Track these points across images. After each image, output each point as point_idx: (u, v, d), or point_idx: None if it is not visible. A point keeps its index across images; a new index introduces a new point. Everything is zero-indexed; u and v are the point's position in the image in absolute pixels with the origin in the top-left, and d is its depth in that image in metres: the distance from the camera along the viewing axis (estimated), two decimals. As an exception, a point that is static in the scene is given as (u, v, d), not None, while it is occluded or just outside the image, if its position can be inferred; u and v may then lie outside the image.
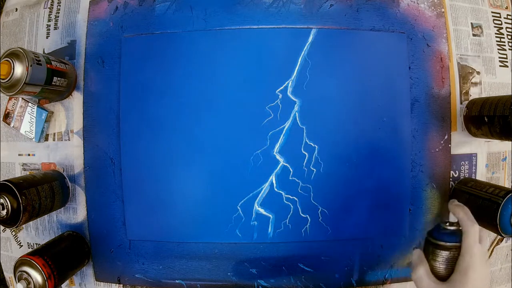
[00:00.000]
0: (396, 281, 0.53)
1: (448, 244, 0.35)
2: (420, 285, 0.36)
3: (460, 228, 0.36)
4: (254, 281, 0.52)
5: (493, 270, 0.55)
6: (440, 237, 0.36)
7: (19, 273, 0.45)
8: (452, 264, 0.35)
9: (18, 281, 0.45)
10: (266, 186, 0.51)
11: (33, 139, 0.55)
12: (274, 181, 0.51)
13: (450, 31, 0.53)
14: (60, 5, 0.56)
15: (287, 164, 0.51)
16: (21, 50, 0.45)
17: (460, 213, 0.37)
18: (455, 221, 0.37)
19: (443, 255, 0.36)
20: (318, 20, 0.52)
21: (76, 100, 0.54)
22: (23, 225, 0.56)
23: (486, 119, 0.47)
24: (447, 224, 0.37)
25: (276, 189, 0.51)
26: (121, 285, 0.54)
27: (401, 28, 0.53)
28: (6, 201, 0.44)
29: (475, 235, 0.35)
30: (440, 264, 0.36)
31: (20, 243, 0.57)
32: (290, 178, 0.51)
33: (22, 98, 0.55)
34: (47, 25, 0.56)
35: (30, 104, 0.55)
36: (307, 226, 0.51)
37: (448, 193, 0.53)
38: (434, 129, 0.52)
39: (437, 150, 0.52)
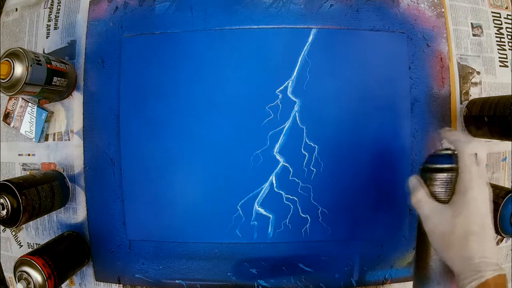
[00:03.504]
0: (396, 281, 0.53)
1: (445, 166, 0.34)
2: (420, 209, 0.35)
3: (456, 152, 0.35)
4: (254, 281, 0.52)
5: (493, 270, 0.55)
6: (436, 160, 0.35)
7: (19, 273, 0.45)
8: (451, 187, 0.34)
9: (18, 281, 0.45)
10: (266, 186, 0.51)
11: (33, 139, 0.55)
12: (274, 181, 0.51)
13: (450, 31, 0.53)
14: (60, 5, 0.56)
15: (287, 164, 0.51)
16: (21, 50, 0.45)
17: (453, 135, 0.35)
18: (449, 147, 0.36)
19: (441, 177, 0.34)
20: (318, 20, 0.52)
21: (76, 100, 0.54)
22: (23, 225, 0.56)
23: (486, 119, 0.47)
24: (442, 149, 0.36)
25: (276, 189, 0.51)
26: (121, 285, 0.54)
27: (401, 28, 0.53)
28: (6, 201, 0.44)
29: (471, 154, 0.33)
30: (439, 188, 0.35)
31: (20, 243, 0.57)
32: (290, 178, 0.51)
33: (22, 98, 0.55)
34: (47, 25, 0.56)
35: (30, 104, 0.55)
36: (307, 226, 0.51)
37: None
38: (434, 129, 0.52)
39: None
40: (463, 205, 0.32)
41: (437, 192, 0.35)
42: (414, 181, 0.36)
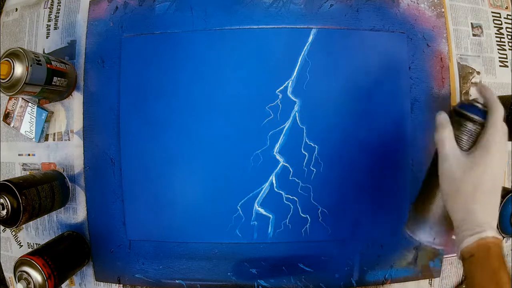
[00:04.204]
0: (396, 281, 0.53)
1: (476, 117, 0.35)
2: (442, 146, 0.35)
3: (487, 108, 0.35)
4: (254, 281, 0.52)
5: (493, 270, 0.55)
6: (468, 109, 0.35)
7: (19, 273, 0.45)
8: (474, 138, 0.34)
9: (18, 281, 0.45)
10: (266, 186, 0.51)
11: (33, 139, 0.55)
12: (274, 181, 0.51)
13: (450, 31, 0.53)
14: (60, 5, 0.56)
15: (287, 164, 0.51)
16: (21, 50, 0.45)
17: (488, 92, 0.35)
18: (482, 102, 0.36)
19: (469, 126, 0.35)
20: (318, 20, 0.52)
21: (76, 100, 0.54)
22: (23, 225, 0.56)
23: (486, 119, 0.47)
24: (477, 101, 0.36)
25: (276, 189, 0.51)
26: (121, 285, 0.54)
27: (401, 28, 0.53)
28: (6, 201, 0.44)
29: (501, 113, 0.34)
30: (463, 135, 0.35)
31: (20, 243, 0.57)
32: (290, 178, 0.51)
33: (22, 98, 0.55)
34: (47, 25, 0.56)
35: (30, 104, 0.55)
36: (307, 226, 0.51)
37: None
38: (434, 129, 0.52)
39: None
40: (482, 159, 0.33)
41: (459, 138, 0.35)
42: (443, 117, 0.36)
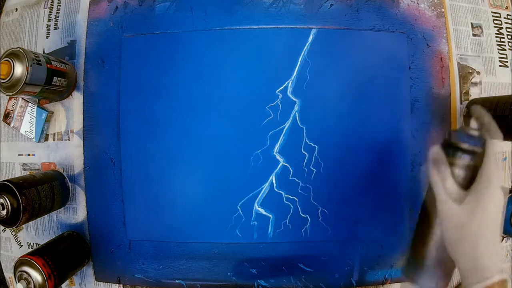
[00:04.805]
0: (396, 281, 0.53)
1: (473, 148, 0.30)
2: (440, 189, 0.32)
3: (484, 135, 0.31)
4: (254, 281, 0.52)
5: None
6: (464, 139, 0.31)
7: (19, 273, 0.45)
8: (472, 173, 0.31)
9: (18, 281, 0.45)
10: (266, 186, 0.51)
11: (33, 139, 0.55)
12: (274, 181, 0.51)
13: (450, 31, 0.53)
14: (60, 5, 0.56)
15: (287, 164, 0.51)
16: (21, 50, 0.45)
17: (485, 117, 0.32)
18: (477, 128, 0.32)
19: (466, 159, 0.31)
20: (318, 20, 0.52)
21: (76, 100, 0.54)
22: (23, 225, 0.56)
23: (486, 119, 0.47)
24: (472, 128, 0.31)
25: (276, 189, 0.51)
26: (121, 285, 0.54)
27: (401, 28, 0.53)
28: (6, 201, 0.44)
29: (499, 144, 0.32)
30: (460, 170, 0.31)
31: (20, 243, 0.57)
32: (290, 178, 0.51)
33: (22, 98, 0.55)
34: (47, 25, 0.56)
35: (30, 104, 0.55)
36: (307, 226, 0.51)
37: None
38: (434, 129, 0.52)
39: (437, 150, 0.52)
40: (484, 197, 0.30)
41: (455, 173, 0.32)
42: (437, 153, 0.33)
